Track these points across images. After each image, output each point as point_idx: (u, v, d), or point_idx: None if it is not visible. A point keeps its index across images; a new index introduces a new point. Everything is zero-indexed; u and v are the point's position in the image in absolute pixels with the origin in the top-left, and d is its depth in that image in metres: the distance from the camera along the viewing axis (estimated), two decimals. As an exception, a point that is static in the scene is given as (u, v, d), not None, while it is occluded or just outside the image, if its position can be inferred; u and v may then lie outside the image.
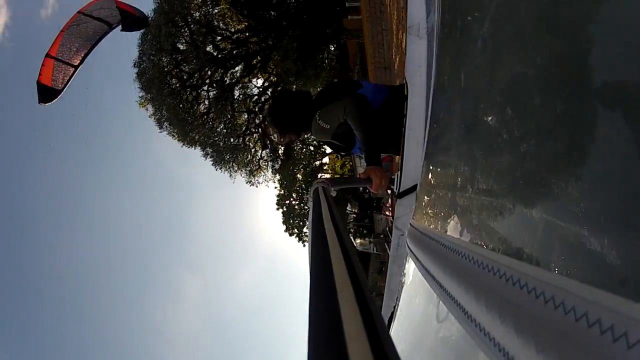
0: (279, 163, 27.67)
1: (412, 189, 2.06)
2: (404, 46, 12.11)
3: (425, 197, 1.51)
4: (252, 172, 26.64)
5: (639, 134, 0.42)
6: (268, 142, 26.55)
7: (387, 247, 22.83)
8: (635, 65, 0.42)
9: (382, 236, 29.26)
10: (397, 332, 1.99)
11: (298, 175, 30.82)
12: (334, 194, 1.68)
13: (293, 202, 33.63)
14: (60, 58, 7.84)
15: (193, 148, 24.72)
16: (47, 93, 7.83)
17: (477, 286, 0.70)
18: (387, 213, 24.65)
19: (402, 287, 2.11)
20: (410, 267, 1.74)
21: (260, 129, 25.93)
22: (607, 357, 0.38)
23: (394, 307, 2.24)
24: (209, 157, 25.02)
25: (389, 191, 2.51)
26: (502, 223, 0.78)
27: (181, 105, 22.82)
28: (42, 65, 7.69)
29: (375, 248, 31.54)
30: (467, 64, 1.08)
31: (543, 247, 0.60)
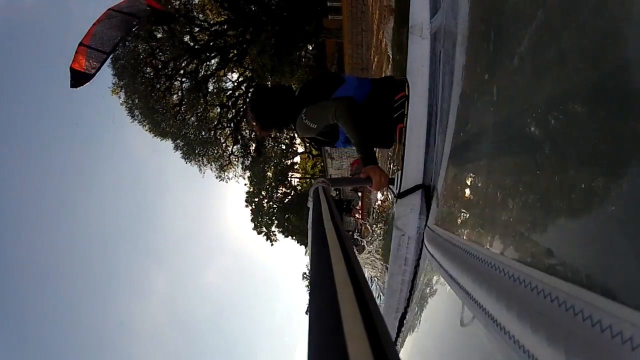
0: (250, 160, 27.45)
1: (413, 189, 2.05)
2: (383, 46, 12.18)
3: (450, 205, 1.52)
4: (223, 167, 26.37)
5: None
6: (239, 137, 26.35)
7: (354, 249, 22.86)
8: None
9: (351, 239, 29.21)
10: (415, 334, 2.03)
11: (268, 173, 30.71)
12: (334, 194, 1.67)
13: (262, 200, 33.48)
14: (92, 46, 8.19)
15: (164, 140, 24.45)
16: (79, 78, 8.24)
17: (509, 297, 0.71)
18: (356, 215, 24.71)
19: (415, 290, 2.13)
20: (426, 271, 1.75)
21: (232, 124, 25.72)
22: None
23: (405, 308, 2.26)
24: (179, 149, 24.75)
25: (389, 191, 2.53)
26: (532, 236, 0.79)
27: (153, 95, 22.43)
28: (76, 52, 8.05)
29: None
30: (497, 73, 1.09)
31: (572, 262, 0.63)
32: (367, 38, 16.18)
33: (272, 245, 35.53)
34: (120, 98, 22.91)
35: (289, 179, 34.66)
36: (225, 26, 23.82)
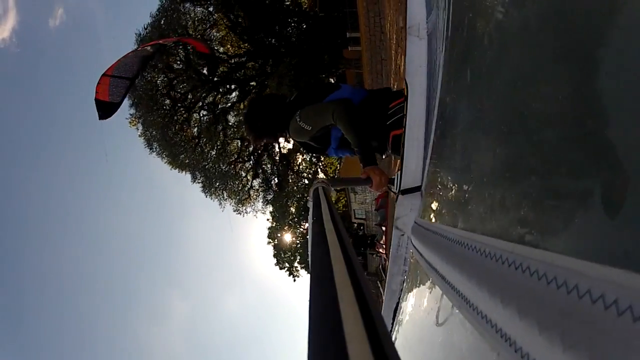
0: (272, 195, 27.59)
1: (414, 189, 2.04)
2: (402, 72, 12.33)
3: (430, 196, 1.53)
4: (241, 200, 26.60)
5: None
6: (260, 171, 26.60)
7: (379, 286, 22.74)
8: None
9: (375, 275, 29.12)
10: (402, 327, 2.02)
11: (291, 209, 30.78)
12: (334, 194, 1.66)
13: (284, 236, 33.62)
14: (116, 75, 8.33)
15: (183, 172, 24.74)
16: (105, 108, 8.33)
17: (480, 274, 0.69)
18: (380, 250, 24.59)
19: (404, 286, 2.15)
20: (414, 266, 1.76)
21: (253, 158, 25.99)
22: (612, 331, 0.37)
23: (397, 305, 2.26)
24: (197, 182, 24.99)
25: (389, 190, 2.51)
26: (503, 212, 0.78)
27: (172, 127, 22.91)
28: (99, 83, 8.14)
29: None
30: (473, 67, 1.09)
31: (541, 230, 0.62)
32: (386, 67, 16.36)
33: (294, 281, 35.50)
34: (138, 129, 23.45)
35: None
36: (245, 58, 24.26)
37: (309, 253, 0.77)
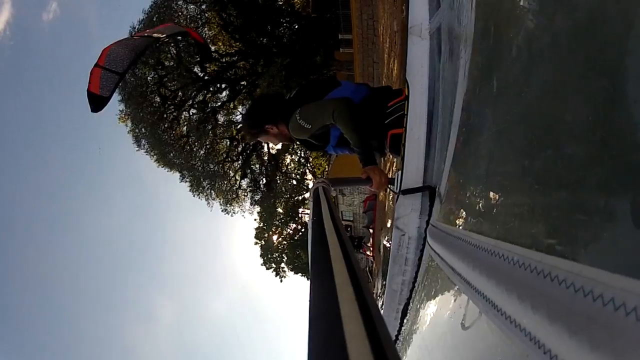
0: (260, 195, 27.45)
1: (414, 189, 2.03)
2: (394, 75, 12.28)
3: (451, 200, 1.52)
4: (229, 200, 26.49)
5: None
6: (249, 171, 26.46)
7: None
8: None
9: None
10: (418, 331, 2.03)
11: (279, 209, 30.64)
12: (334, 194, 1.66)
13: (272, 236, 33.46)
14: (107, 67, 8.14)
15: (171, 171, 24.61)
16: (97, 101, 8.14)
17: (508, 281, 0.70)
18: (367, 253, 24.52)
19: (416, 287, 2.13)
20: (433, 269, 1.75)
21: (241, 157, 25.84)
22: (632, 335, 0.39)
23: (405, 307, 2.26)
24: (186, 181, 24.86)
25: (389, 190, 2.51)
26: (530, 221, 0.78)
27: (161, 124, 22.74)
28: (91, 74, 7.94)
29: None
30: (498, 70, 1.09)
31: (567, 241, 0.64)
32: (378, 70, 16.30)
33: (281, 281, 35.41)
34: (127, 126, 23.22)
35: (300, 214, 34.41)
36: (236, 57, 24.13)
37: (309, 253, 0.77)
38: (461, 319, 1.19)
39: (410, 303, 2.22)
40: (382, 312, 2.43)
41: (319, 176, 28.75)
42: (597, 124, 0.58)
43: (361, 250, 25.88)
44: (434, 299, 1.75)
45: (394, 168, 13.67)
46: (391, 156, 2.76)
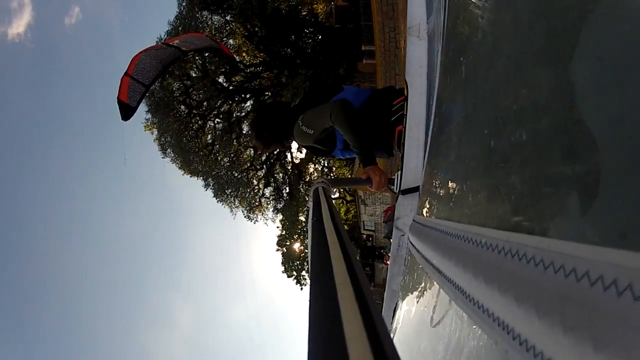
0: (282, 203, 27.65)
1: (414, 189, 2.05)
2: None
3: (427, 192, 1.52)
4: (252, 208, 26.73)
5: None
6: (272, 180, 26.68)
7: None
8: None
9: (382, 286, 29.08)
10: (401, 325, 2.03)
11: (301, 217, 30.80)
12: (334, 194, 1.65)
13: (294, 244, 33.60)
14: (135, 77, 8.27)
15: (195, 178, 24.85)
16: (126, 110, 8.28)
17: (475, 265, 0.69)
18: (388, 263, 24.53)
19: (402, 284, 2.15)
20: (411, 263, 1.76)
21: (265, 167, 26.09)
22: (613, 312, 0.36)
23: (396, 304, 2.27)
24: (210, 188, 25.11)
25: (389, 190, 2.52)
26: (497, 201, 0.77)
27: (186, 133, 23.12)
28: (121, 83, 8.10)
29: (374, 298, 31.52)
30: (465, 58, 1.10)
31: (536, 216, 0.62)
32: (399, 82, 16.32)
33: (301, 289, 35.48)
34: (153, 134, 23.71)
35: (322, 223, 34.24)
36: (261, 68, 24.40)
37: (309, 252, 0.77)
38: (433, 310, 1.19)
39: (398, 300, 2.23)
40: (382, 312, 2.42)
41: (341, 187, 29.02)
42: (555, 96, 0.57)
43: (383, 261, 25.90)
44: (413, 293, 1.75)
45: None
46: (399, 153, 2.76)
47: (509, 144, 0.72)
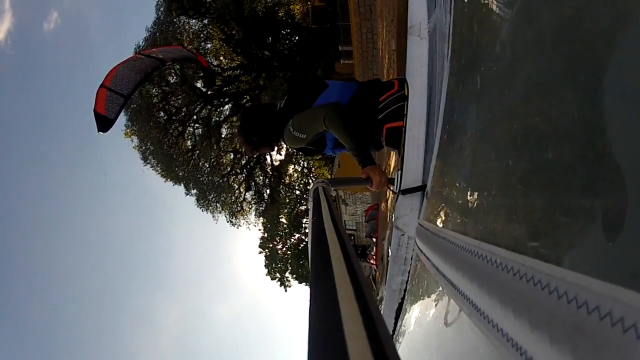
0: (264, 206, 27.55)
1: (414, 189, 2.02)
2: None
3: (436, 199, 1.52)
4: (234, 213, 26.60)
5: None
6: (252, 183, 26.57)
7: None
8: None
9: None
10: (408, 329, 2.01)
11: (282, 219, 30.71)
12: (334, 194, 1.66)
13: (276, 246, 33.48)
14: (113, 88, 8.04)
15: (177, 184, 24.67)
16: (103, 122, 8.02)
17: (490, 283, 0.69)
18: (371, 261, 24.49)
19: (408, 287, 2.12)
20: (420, 269, 1.75)
21: (245, 170, 25.97)
22: (617, 347, 0.37)
23: (399, 306, 2.25)
24: (191, 195, 24.94)
25: (389, 190, 2.51)
26: (514, 223, 0.77)
27: (166, 140, 22.88)
28: (97, 94, 7.85)
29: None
30: (481, 68, 1.08)
31: (552, 245, 0.62)
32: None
33: (285, 291, 35.35)
34: (132, 142, 23.45)
35: (304, 225, 34.25)
36: (239, 71, 24.27)
37: (309, 252, 0.77)
38: (445, 320, 1.19)
39: (403, 303, 2.22)
40: (382, 312, 2.39)
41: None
42: (582, 123, 0.57)
43: (366, 259, 25.88)
44: (422, 299, 1.75)
45: (390, 162, 13.68)
46: (387, 149, 2.74)
47: (529, 166, 0.72)
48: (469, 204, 1.07)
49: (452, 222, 1.25)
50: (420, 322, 1.72)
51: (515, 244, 0.73)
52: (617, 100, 0.49)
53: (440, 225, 1.36)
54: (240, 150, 24.77)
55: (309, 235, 0.95)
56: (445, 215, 1.39)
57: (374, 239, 23.05)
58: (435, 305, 1.38)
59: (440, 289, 1.15)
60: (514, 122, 0.83)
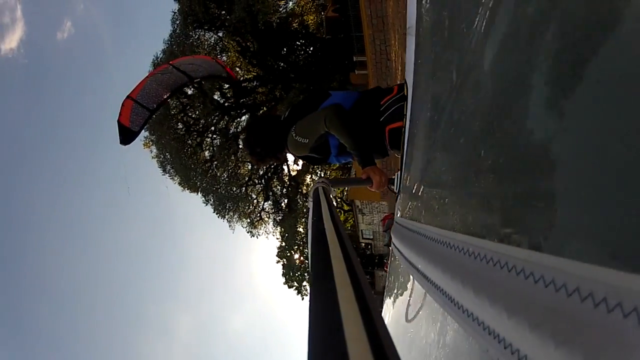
0: (281, 215, 27.67)
1: None
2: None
3: (409, 195, 1.51)
4: (253, 223, 26.80)
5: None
6: (270, 193, 26.70)
7: (386, 304, 22.83)
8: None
9: (382, 293, 29.13)
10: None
11: (299, 229, 30.81)
12: (334, 194, 1.67)
13: (294, 255, 33.58)
14: (139, 101, 7.97)
15: (195, 194, 24.87)
16: (127, 134, 7.96)
17: (463, 273, 0.69)
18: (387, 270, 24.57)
19: (386, 284, 2.14)
20: (394, 265, 1.75)
21: (263, 181, 26.13)
22: (604, 328, 0.37)
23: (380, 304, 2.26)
24: (210, 204, 25.12)
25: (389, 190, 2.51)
26: (483, 211, 0.77)
27: (185, 150, 23.16)
28: (122, 105, 7.78)
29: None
30: (447, 64, 1.09)
31: (524, 229, 0.62)
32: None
33: (302, 299, 35.43)
34: (152, 152, 23.88)
35: (321, 234, 34.27)
36: (255, 83, 24.45)
37: (309, 252, 0.77)
38: (417, 312, 1.19)
39: (383, 299, 2.24)
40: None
41: (339, 195, 29.14)
42: (548, 106, 0.57)
43: (383, 268, 25.95)
44: (397, 294, 1.75)
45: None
46: (392, 153, 2.76)
47: (496, 153, 0.72)
48: (439, 196, 1.07)
49: (426, 216, 1.24)
50: (396, 317, 1.72)
51: (487, 232, 0.73)
52: (585, 87, 0.49)
53: (413, 220, 1.36)
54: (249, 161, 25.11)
55: (309, 235, 0.96)
56: (418, 210, 1.39)
57: (390, 248, 23.08)
58: (411, 299, 1.38)
59: (413, 282, 1.16)
60: (482, 111, 0.83)
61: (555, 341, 0.42)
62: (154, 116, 20.73)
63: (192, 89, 22.27)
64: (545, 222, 0.56)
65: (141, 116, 8.08)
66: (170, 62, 8.67)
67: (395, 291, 1.77)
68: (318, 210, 0.99)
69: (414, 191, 1.45)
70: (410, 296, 1.39)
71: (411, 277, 1.12)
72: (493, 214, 0.72)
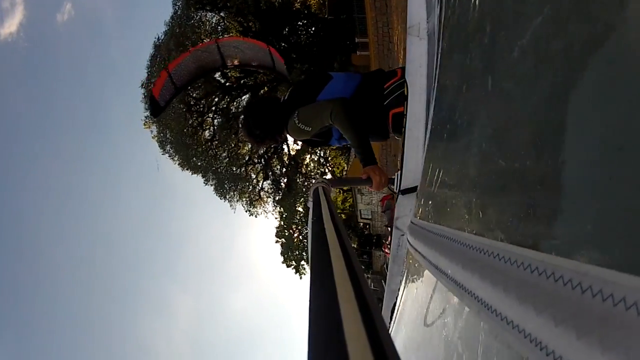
0: (280, 195, 27.68)
1: (413, 189, 2.04)
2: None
3: (428, 195, 1.51)
4: (252, 201, 26.81)
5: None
6: (270, 173, 26.67)
7: (383, 283, 22.82)
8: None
9: (380, 273, 29.20)
10: (401, 328, 2.01)
11: (299, 208, 30.82)
12: (334, 193, 1.66)
13: (293, 234, 33.61)
14: (172, 75, 7.79)
15: (195, 174, 24.84)
16: (155, 106, 7.81)
17: (506, 281, 0.68)
18: (386, 250, 24.56)
19: (403, 286, 2.11)
20: (414, 268, 1.73)
21: (263, 160, 26.07)
22: None
23: (394, 306, 2.25)
24: (210, 184, 25.11)
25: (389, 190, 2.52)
26: (511, 215, 0.76)
27: (185, 130, 23.11)
28: (158, 77, 7.66)
29: (372, 284, 31.44)
30: (470, 65, 1.08)
31: (566, 238, 0.59)
32: (392, 75, 16.23)
33: (300, 278, 35.59)
34: (152, 132, 23.93)
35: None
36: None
37: (309, 252, 0.77)
38: (447, 318, 1.18)
39: (397, 302, 2.22)
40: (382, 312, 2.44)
41: (339, 175, 29.03)
42: (569, 116, 0.56)
43: (382, 249, 25.99)
44: (417, 297, 1.73)
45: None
46: (393, 136, 2.76)
47: (515, 160, 0.72)
48: (466, 201, 1.05)
49: (452, 220, 1.21)
50: (416, 320, 1.71)
51: (523, 240, 0.70)
52: (599, 95, 0.49)
53: (439, 223, 1.33)
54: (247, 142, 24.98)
55: (309, 235, 0.96)
56: (439, 213, 1.38)
57: (390, 228, 23.04)
58: (437, 304, 1.35)
59: (439, 286, 1.14)
60: (504, 113, 0.82)
61: (603, 347, 0.42)
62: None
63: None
64: (582, 231, 0.55)
65: (169, 91, 7.93)
66: (217, 40, 8.48)
67: (416, 294, 1.75)
68: (318, 210, 1.00)
69: (433, 193, 1.45)
70: (430, 300, 1.37)
71: (436, 281, 1.12)
72: (525, 221, 0.71)
